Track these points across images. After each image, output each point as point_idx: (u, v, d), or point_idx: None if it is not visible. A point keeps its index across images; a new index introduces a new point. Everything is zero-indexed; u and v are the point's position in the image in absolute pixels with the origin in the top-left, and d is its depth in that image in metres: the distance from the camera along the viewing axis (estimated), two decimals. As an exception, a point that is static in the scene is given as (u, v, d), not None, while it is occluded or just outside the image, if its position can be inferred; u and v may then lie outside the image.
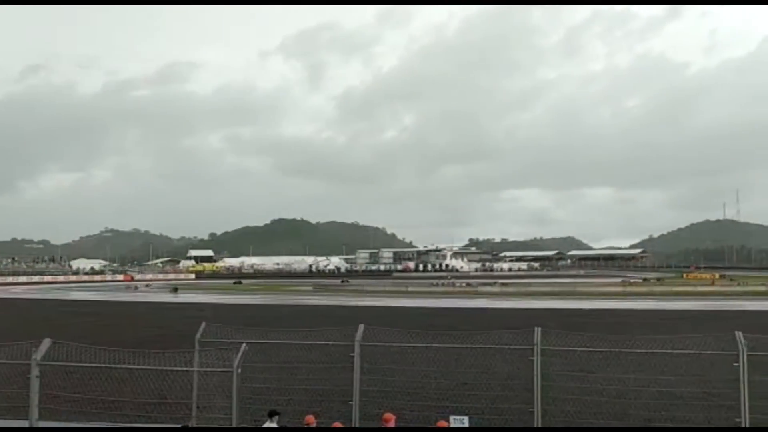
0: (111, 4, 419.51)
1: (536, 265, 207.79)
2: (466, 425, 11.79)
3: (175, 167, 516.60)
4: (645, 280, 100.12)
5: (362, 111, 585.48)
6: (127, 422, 12.95)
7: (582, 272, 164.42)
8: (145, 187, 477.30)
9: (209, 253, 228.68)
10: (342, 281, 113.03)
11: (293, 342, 13.77)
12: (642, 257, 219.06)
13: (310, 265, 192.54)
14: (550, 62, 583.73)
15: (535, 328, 12.41)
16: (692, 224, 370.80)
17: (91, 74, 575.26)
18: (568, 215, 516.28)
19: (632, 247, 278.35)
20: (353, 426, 12.29)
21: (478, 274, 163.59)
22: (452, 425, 11.63)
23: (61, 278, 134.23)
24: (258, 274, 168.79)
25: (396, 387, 12.94)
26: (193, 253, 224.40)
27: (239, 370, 11.53)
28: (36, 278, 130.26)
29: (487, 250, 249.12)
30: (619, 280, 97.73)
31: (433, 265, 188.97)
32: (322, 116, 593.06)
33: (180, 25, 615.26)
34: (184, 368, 12.65)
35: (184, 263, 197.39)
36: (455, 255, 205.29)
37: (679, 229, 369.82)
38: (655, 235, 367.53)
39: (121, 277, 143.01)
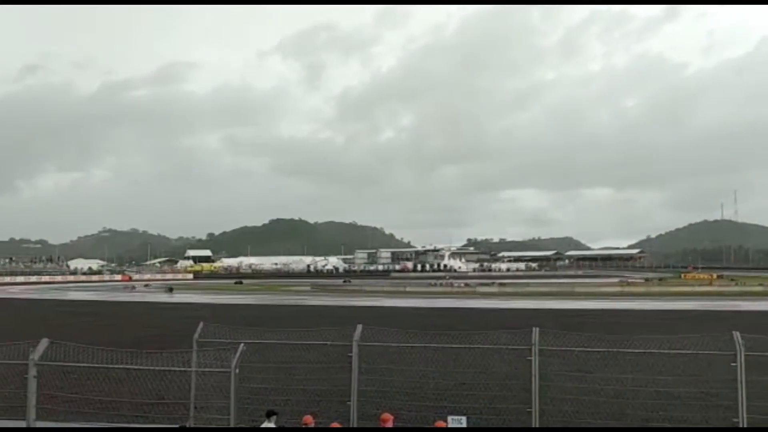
0: (109, 4, 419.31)
1: (534, 265, 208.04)
2: (464, 425, 11.79)
3: (173, 167, 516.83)
4: (647, 280, 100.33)
5: (360, 111, 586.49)
6: (124, 422, 12.95)
7: (580, 272, 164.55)
8: (143, 187, 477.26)
9: (207, 253, 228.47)
10: (344, 281, 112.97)
11: (291, 342, 13.77)
12: (640, 257, 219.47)
13: (308, 265, 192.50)
14: (548, 62, 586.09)
15: (533, 329, 12.41)
16: (690, 224, 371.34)
17: (88, 74, 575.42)
18: (567, 215, 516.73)
19: (630, 247, 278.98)
20: (351, 426, 12.28)
21: (477, 274, 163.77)
22: (450, 425, 11.62)
23: (58, 278, 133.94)
24: (256, 274, 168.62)
25: (394, 387, 12.95)
26: (191, 253, 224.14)
27: (237, 371, 11.52)
28: (34, 278, 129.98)
29: (485, 251, 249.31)
30: (617, 280, 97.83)
31: (432, 266, 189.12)
32: (320, 116, 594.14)
33: (178, 25, 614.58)
34: (182, 368, 12.63)
35: (182, 263, 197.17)
36: (453, 255, 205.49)
37: (677, 230, 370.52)
38: (653, 236, 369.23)
39: (119, 277, 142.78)
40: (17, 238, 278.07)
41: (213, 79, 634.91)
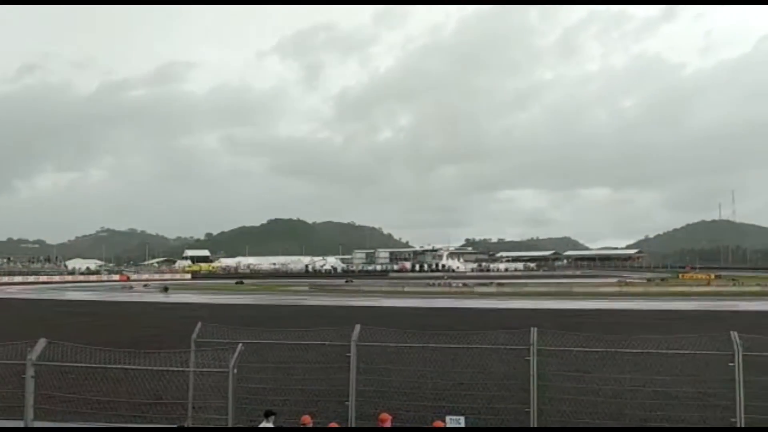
0: (107, 4, 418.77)
1: (533, 265, 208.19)
2: (463, 425, 11.79)
3: (171, 167, 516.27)
4: (649, 280, 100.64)
5: (359, 111, 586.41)
6: (122, 422, 12.93)
7: (578, 272, 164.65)
8: (142, 186, 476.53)
9: (206, 253, 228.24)
10: (346, 281, 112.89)
11: (289, 342, 13.76)
12: (638, 257, 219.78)
13: (307, 266, 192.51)
14: (546, 62, 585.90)
15: (532, 329, 12.42)
16: (688, 224, 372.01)
17: (87, 74, 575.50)
18: (565, 215, 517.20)
19: (628, 247, 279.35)
20: (349, 426, 12.28)
21: (475, 274, 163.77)
22: (448, 425, 11.62)
23: (56, 278, 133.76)
24: (254, 274, 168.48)
25: (392, 387, 12.95)
26: (190, 253, 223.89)
27: (235, 371, 11.51)
28: (31, 278, 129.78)
29: (483, 251, 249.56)
30: (615, 280, 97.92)
31: (430, 266, 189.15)
32: (318, 116, 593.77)
33: (177, 24, 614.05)
34: (180, 368, 12.62)
35: (180, 263, 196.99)
36: (452, 255, 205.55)
37: (675, 230, 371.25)
38: (651, 236, 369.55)
39: (117, 277, 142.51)
40: (15, 238, 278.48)
41: (212, 79, 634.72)
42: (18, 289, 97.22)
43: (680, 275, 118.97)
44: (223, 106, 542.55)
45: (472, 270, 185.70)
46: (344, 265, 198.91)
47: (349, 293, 78.70)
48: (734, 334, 11.72)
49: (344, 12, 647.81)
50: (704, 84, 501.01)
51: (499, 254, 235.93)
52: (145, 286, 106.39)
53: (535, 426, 11.92)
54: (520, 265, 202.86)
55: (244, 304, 58.25)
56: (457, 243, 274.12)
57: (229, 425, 11.52)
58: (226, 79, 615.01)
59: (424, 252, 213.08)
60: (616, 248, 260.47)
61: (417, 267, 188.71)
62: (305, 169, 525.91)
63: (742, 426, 11.36)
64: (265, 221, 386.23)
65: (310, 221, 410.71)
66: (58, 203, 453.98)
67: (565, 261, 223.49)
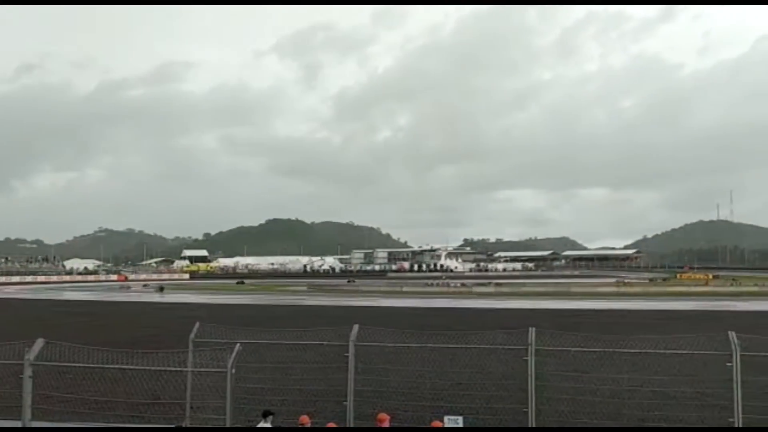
0: (106, 3, 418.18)
1: (531, 265, 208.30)
2: (461, 425, 11.80)
3: (169, 167, 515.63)
4: (651, 280, 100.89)
5: (357, 111, 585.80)
6: (120, 422, 12.91)
7: (576, 272, 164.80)
8: (140, 186, 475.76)
9: (204, 253, 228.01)
10: (348, 281, 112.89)
11: (288, 342, 13.76)
12: (636, 257, 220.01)
13: (305, 265, 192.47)
14: (545, 62, 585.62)
15: (530, 329, 12.42)
16: (686, 225, 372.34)
17: (85, 74, 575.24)
18: (563, 215, 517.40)
19: (626, 247, 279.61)
20: (347, 426, 12.28)
21: (473, 274, 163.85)
22: (447, 425, 11.63)
23: (54, 278, 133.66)
24: (252, 274, 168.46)
25: (390, 387, 12.95)
26: (188, 253, 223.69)
27: (233, 370, 11.51)
28: (29, 278, 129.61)
29: (481, 251, 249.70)
30: (613, 280, 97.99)
31: (428, 266, 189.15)
32: (317, 116, 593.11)
33: (175, 24, 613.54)
34: (178, 368, 12.61)
35: (178, 263, 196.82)
36: (450, 255, 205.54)
37: (673, 230, 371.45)
38: (649, 236, 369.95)
39: (114, 277, 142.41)
40: (13, 237, 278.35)
41: (210, 79, 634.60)
42: (16, 289, 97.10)
43: (678, 275, 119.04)
44: (222, 106, 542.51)
45: (471, 270, 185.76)
46: (342, 265, 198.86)
47: (347, 293, 78.70)
48: (732, 334, 11.73)
49: (343, 12, 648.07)
50: (703, 84, 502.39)
51: (497, 254, 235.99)
52: (145, 286, 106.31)
53: (533, 426, 11.92)
54: (518, 265, 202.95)
55: (243, 304, 58.24)
56: (456, 243, 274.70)
57: (227, 425, 11.51)
58: (225, 79, 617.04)
59: (422, 252, 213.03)
60: (614, 248, 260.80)
61: (415, 267, 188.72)
62: (304, 169, 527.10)
63: (740, 426, 11.37)
64: (263, 221, 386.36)
65: (308, 221, 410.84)
66: (56, 203, 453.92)
67: (563, 261, 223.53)
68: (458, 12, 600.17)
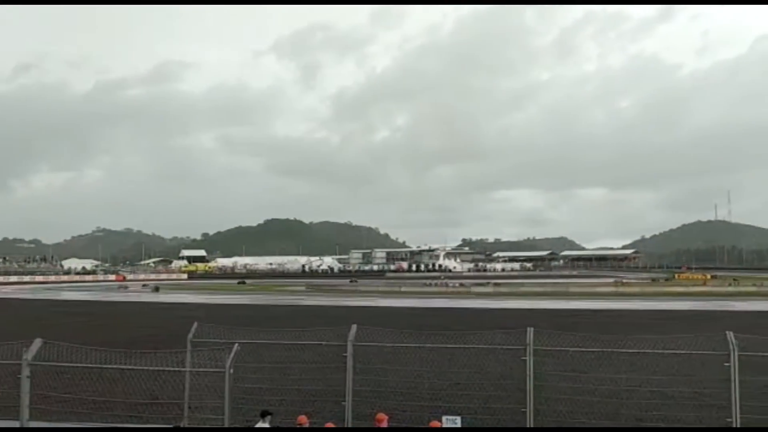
0: (105, 3, 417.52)
1: (529, 265, 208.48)
2: (459, 425, 11.80)
3: (168, 167, 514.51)
4: (653, 280, 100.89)
5: (355, 111, 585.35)
6: (118, 422, 12.89)
7: (575, 272, 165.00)
8: (138, 186, 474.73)
9: (202, 253, 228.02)
10: (350, 281, 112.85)
11: (286, 342, 13.75)
12: (634, 257, 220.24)
13: (303, 266, 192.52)
14: (543, 63, 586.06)
15: (528, 329, 12.43)
16: (684, 225, 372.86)
17: (82, 73, 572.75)
18: (561, 215, 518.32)
19: (624, 247, 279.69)
20: (346, 426, 12.29)
21: (471, 274, 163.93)
22: (445, 425, 11.63)
23: (52, 278, 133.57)
24: (251, 274, 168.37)
25: (389, 387, 12.95)
26: (186, 253, 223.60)
27: (231, 371, 11.49)
28: (27, 278, 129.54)
29: (480, 251, 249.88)
30: (611, 280, 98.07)
31: (426, 266, 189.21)
32: (315, 116, 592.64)
33: (174, 24, 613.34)
34: (176, 368, 12.60)
35: (176, 263, 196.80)
36: (448, 255, 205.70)
37: (671, 230, 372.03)
38: (648, 236, 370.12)
39: (113, 277, 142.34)
40: (10, 237, 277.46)
41: (209, 79, 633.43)
42: (14, 289, 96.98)
43: (676, 275, 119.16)
44: (220, 106, 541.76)
45: (469, 270, 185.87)
46: (341, 265, 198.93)
47: (346, 293, 78.67)
48: (730, 334, 11.75)
49: (341, 12, 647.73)
50: (701, 84, 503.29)
51: (495, 254, 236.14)
52: (144, 286, 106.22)
53: (532, 426, 11.93)
54: (516, 265, 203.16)
55: (241, 304, 58.20)
56: (454, 243, 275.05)
57: (226, 425, 11.50)
58: (223, 79, 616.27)
59: (420, 252, 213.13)
60: (612, 248, 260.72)
61: (414, 267, 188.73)
62: (302, 169, 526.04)
63: (738, 426, 11.39)
64: (261, 221, 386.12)
65: (306, 221, 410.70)
66: (54, 203, 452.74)
67: (561, 261, 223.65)
68: (456, 12, 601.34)
